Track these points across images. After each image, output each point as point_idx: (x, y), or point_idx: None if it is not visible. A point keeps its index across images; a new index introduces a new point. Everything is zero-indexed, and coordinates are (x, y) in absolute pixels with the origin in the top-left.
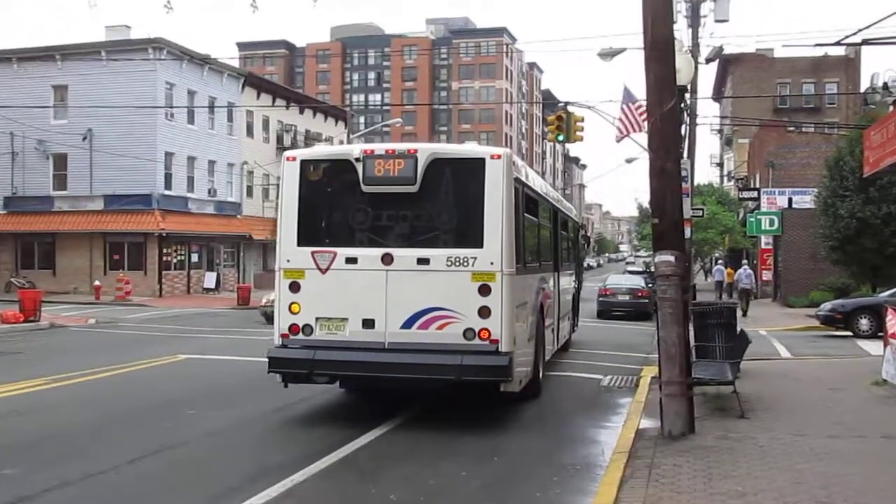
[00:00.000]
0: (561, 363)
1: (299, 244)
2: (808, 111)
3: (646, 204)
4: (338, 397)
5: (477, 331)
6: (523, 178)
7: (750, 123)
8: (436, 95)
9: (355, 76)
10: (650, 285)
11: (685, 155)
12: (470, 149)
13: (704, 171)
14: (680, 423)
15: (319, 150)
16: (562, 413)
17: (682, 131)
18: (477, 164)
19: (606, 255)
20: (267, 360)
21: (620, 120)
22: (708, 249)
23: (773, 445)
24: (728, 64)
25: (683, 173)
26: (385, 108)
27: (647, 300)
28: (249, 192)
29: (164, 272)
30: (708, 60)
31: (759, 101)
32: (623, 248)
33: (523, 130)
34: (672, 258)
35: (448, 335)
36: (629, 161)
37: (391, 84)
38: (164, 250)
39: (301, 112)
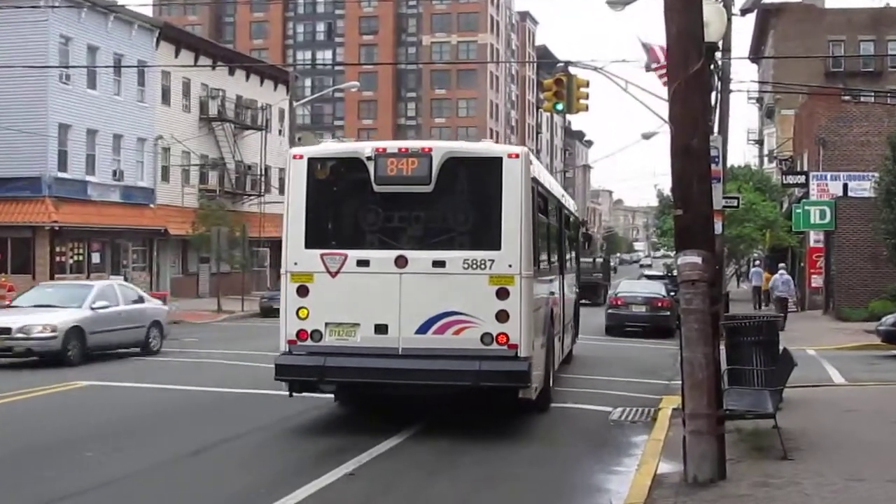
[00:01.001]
0: (562, 392)
1: (307, 246)
2: (866, 76)
3: (667, 191)
4: (278, 435)
5: (495, 335)
6: (537, 176)
7: (796, 91)
8: (401, 53)
9: (300, 28)
10: (672, 293)
11: (715, 129)
12: (487, 147)
13: (740, 150)
14: (708, 467)
15: (328, 148)
16: (562, 454)
17: (712, 100)
18: (494, 164)
19: (618, 255)
20: (275, 367)
21: (650, 48)
22: (744, 249)
23: (822, 494)
24: (768, 16)
25: (713, 153)
26: (337, 68)
27: (668, 312)
28: (165, 175)
29: (56, 276)
30: (744, 11)
31: (806, 64)
32: (639, 246)
33: (513, 97)
34: (699, 259)
35: (465, 340)
36: (647, 137)
37: (345, 38)
38: (58, 248)
39: (231, 73)
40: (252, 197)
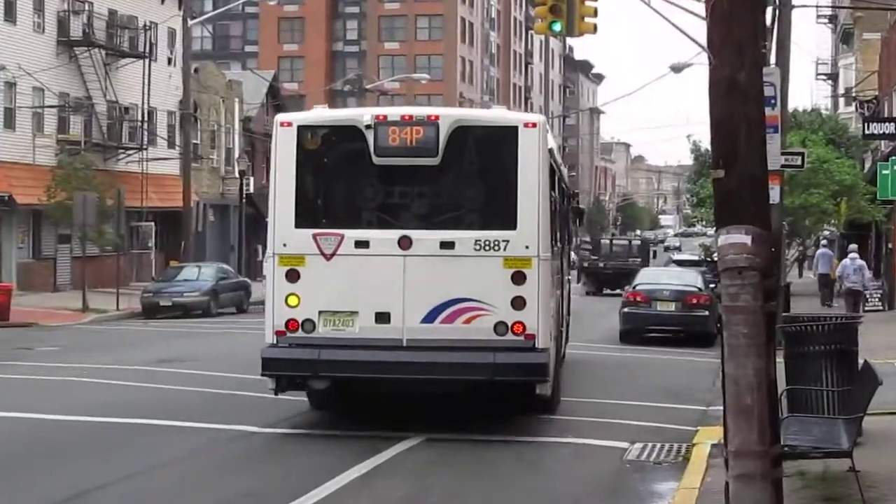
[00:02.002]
0: (558, 420)
1: (298, 225)
2: None
3: (705, 145)
4: (178, 475)
5: (510, 325)
6: (551, 146)
7: (884, 5)
8: None
9: None
10: (712, 286)
11: (771, 59)
12: (500, 115)
13: (805, 88)
14: None
15: (321, 115)
16: None
17: (767, 18)
18: (508, 134)
19: (637, 233)
20: (262, 361)
21: None
22: (811, 224)
23: None
24: None
25: (768, 91)
26: None
27: (705, 312)
28: (9, 121)
29: None
30: None
31: None
32: (666, 220)
33: (493, 14)
34: (747, 239)
35: (476, 330)
36: (677, 70)
37: None
38: None
39: None
40: (131, 151)
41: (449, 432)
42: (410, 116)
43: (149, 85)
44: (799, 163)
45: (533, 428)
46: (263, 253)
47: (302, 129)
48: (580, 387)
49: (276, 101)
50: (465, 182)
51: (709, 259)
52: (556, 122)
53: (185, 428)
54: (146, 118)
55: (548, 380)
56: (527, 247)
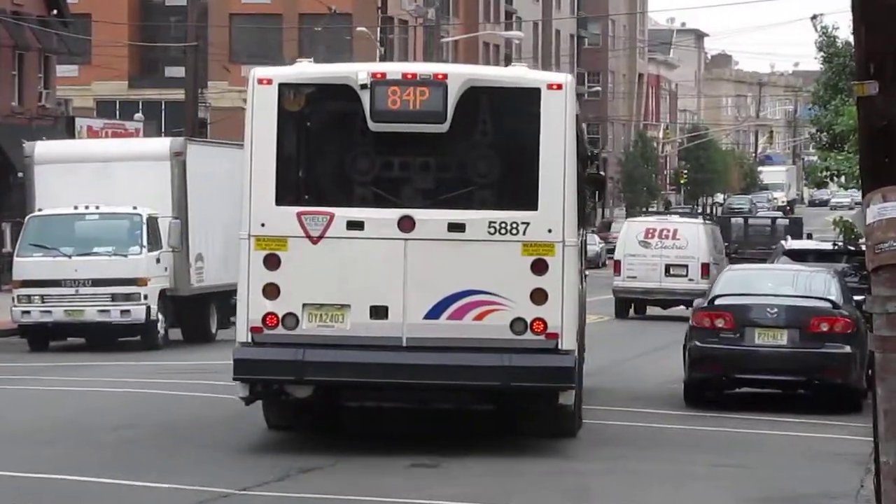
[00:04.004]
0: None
1: (279, 202)
2: None
3: (845, 36)
4: None
5: (529, 322)
6: (579, 111)
7: None
8: None
9: None
10: (860, 301)
11: None
12: (520, 74)
13: None
14: None
15: (306, 70)
16: None
17: None
18: (529, 96)
19: (721, 197)
20: (232, 363)
21: None
22: None
23: None
24: None
25: None
26: None
27: (846, 347)
28: None
29: None
30: None
31: None
32: (772, 177)
33: None
34: None
35: (490, 328)
36: None
37: None
38: None
39: None
40: None
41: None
42: (414, 74)
43: None
44: None
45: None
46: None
47: (284, 88)
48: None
49: None
50: (477, 153)
51: (852, 249)
52: None
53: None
54: None
55: (573, 387)
56: (550, 230)
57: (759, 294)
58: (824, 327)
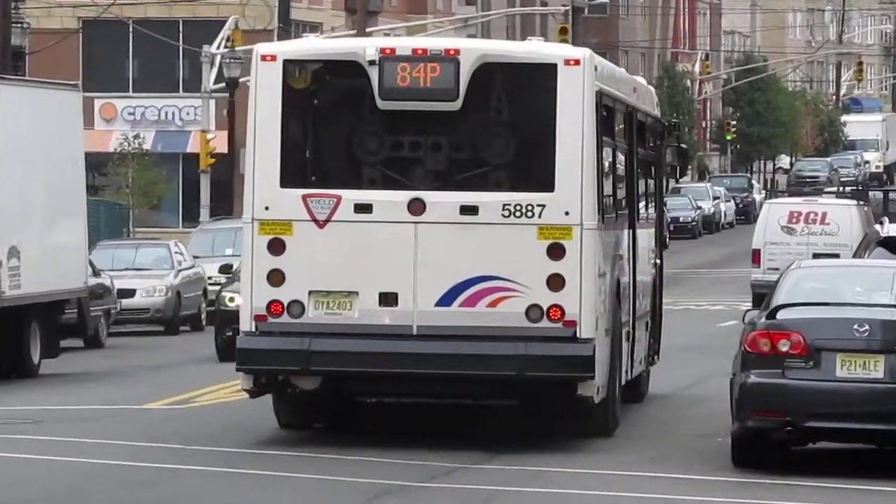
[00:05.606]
0: None
1: (283, 185)
2: None
3: None
4: None
5: (546, 309)
6: (603, 86)
7: None
8: None
9: None
10: None
11: None
12: (535, 49)
13: None
14: None
15: (312, 46)
16: None
17: None
18: (546, 73)
19: (790, 163)
20: (236, 353)
21: None
22: None
23: None
24: None
25: None
26: None
27: None
28: None
29: None
30: None
31: None
32: (862, 131)
33: None
34: None
35: (505, 315)
36: None
37: None
38: None
39: None
40: None
41: None
42: (424, 50)
43: None
44: None
45: None
46: None
47: (289, 64)
48: None
49: None
50: (491, 132)
51: None
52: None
53: None
54: None
55: (593, 376)
56: (567, 213)
57: (842, 304)
58: None
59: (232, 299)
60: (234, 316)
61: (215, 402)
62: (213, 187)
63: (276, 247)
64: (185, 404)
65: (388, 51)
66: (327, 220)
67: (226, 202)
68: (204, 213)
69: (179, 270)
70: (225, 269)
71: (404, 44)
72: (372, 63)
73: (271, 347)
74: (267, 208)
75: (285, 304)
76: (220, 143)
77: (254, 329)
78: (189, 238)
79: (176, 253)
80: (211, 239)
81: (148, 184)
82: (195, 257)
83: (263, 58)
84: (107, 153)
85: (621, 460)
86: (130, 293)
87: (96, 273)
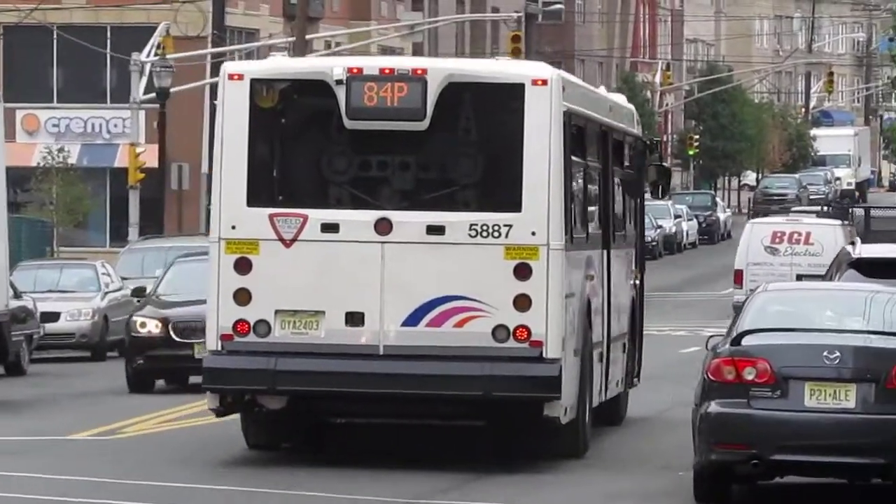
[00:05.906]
0: None
1: (250, 203)
2: None
3: None
4: None
5: (512, 329)
6: (572, 105)
7: None
8: None
9: None
10: None
11: None
12: (502, 69)
13: None
14: None
15: (279, 65)
16: None
17: None
18: (513, 93)
19: (750, 176)
20: (203, 372)
21: None
22: None
23: None
24: None
25: None
26: None
27: None
28: None
29: None
30: None
31: None
32: (833, 146)
33: None
34: None
35: (471, 335)
36: None
37: None
38: None
39: None
40: None
41: None
42: (392, 70)
43: None
44: None
45: None
46: None
47: (256, 84)
48: None
49: None
50: (458, 152)
51: None
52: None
53: None
54: None
55: (559, 397)
56: (533, 233)
57: (812, 329)
58: None
59: (143, 325)
60: (145, 343)
61: (145, 432)
62: (143, 204)
63: (243, 266)
64: (112, 435)
65: (355, 70)
66: (294, 240)
67: (156, 220)
68: (133, 231)
69: (106, 293)
70: (138, 292)
71: (372, 63)
72: (339, 82)
73: (237, 367)
74: (234, 227)
75: (252, 324)
76: (150, 158)
77: (220, 348)
78: (117, 258)
79: (103, 274)
80: (140, 259)
81: (73, 200)
82: (123, 279)
83: (231, 77)
84: (29, 167)
85: (576, 493)
86: (54, 317)
87: (18, 295)
